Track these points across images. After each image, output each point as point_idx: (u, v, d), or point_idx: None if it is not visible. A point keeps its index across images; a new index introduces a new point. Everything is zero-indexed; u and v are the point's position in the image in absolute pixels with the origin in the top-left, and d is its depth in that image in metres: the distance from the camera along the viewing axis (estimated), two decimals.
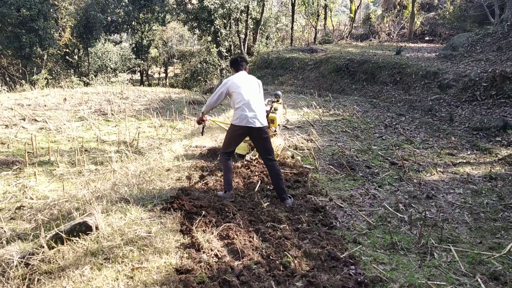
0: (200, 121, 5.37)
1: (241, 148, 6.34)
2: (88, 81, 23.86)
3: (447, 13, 21.23)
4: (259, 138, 4.85)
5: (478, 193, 5.48)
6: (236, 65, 5.13)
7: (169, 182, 5.30)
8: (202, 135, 6.13)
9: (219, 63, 26.04)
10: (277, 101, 6.72)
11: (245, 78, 4.99)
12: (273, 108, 6.52)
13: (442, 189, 5.62)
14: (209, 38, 27.22)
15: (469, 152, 7.36)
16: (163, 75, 34.37)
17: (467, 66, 11.87)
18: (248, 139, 5.67)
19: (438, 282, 3.34)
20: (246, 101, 4.76)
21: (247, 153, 6.45)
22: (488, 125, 8.73)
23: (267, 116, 5.96)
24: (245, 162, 6.22)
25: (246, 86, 4.87)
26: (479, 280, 3.36)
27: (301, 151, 6.99)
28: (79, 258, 3.37)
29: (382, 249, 3.94)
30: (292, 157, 6.58)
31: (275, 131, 6.58)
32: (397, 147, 7.50)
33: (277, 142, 6.53)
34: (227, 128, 5.42)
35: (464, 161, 6.87)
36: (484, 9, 18.24)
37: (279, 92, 6.89)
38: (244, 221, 4.28)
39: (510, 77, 9.83)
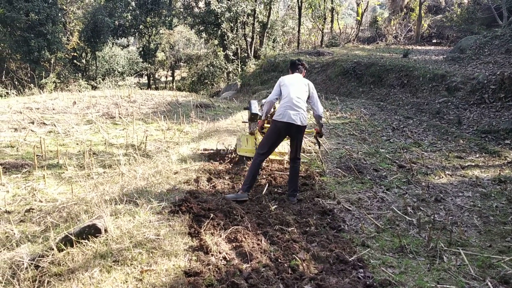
0: (261, 129, 5.55)
1: (250, 151, 6.26)
2: (96, 84, 24.02)
3: (455, 15, 21.15)
4: (297, 136, 5.08)
5: (487, 196, 5.44)
6: (293, 67, 5.40)
7: (177, 185, 5.31)
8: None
9: (226, 67, 26.14)
10: None
11: (296, 79, 5.19)
12: None
13: (450, 192, 5.58)
14: (216, 42, 27.36)
15: (477, 155, 7.31)
16: (170, 78, 34.54)
17: (475, 69, 11.81)
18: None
19: (447, 286, 3.31)
20: (291, 98, 4.95)
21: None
22: (496, 128, 8.67)
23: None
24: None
25: (295, 85, 5.08)
26: (489, 284, 3.33)
27: (308, 154, 6.99)
28: (88, 261, 3.39)
29: (391, 252, 3.92)
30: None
31: None
32: (405, 150, 7.47)
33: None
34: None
35: (473, 164, 6.83)
36: (492, 12, 18.14)
37: None
38: (252, 224, 4.28)
39: None
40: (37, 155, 6.62)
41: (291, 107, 4.91)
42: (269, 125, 5.32)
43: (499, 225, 4.61)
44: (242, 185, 5.03)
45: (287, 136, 5.21)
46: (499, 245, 4.11)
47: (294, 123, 4.89)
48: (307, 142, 7.54)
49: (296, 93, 5.00)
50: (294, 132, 5.01)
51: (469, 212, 4.94)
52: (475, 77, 10.93)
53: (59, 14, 21.86)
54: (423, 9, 22.24)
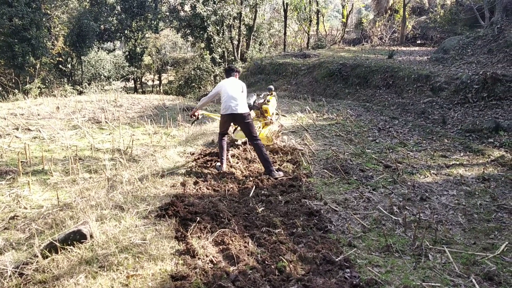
0: (193, 115, 6.65)
1: (241, 136, 7.10)
2: (81, 89, 23.76)
3: (438, 16, 21.43)
4: (242, 122, 6.16)
5: (472, 194, 5.51)
6: (228, 72, 6.61)
7: (163, 189, 5.29)
8: (191, 125, 6.89)
9: (213, 70, 26.08)
10: (271, 94, 7.98)
11: (232, 81, 6.34)
12: (266, 100, 7.81)
13: (435, 191, 5.64)
14: (203, 45, 27.28)
15: (462, 154, 7.41)
16: (157, 82, 34.34)
17: (459, 69, 11.97)
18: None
19: (433, 284, 3.35)
20: (230, 95, 6.09)
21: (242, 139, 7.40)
22: (480, 127, 8.80)
23: (261, 107, 7.65)
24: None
25: (231, 86, 6.23)
26: (473, 280, 3.38)
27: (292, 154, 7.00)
28: (73, 267, 3.36)
29: (377, 251, 3.96)
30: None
31: (271, 119, 7.73)
32: (391, 150, 7.53)
33: (273, 128, 7.54)
34: (217, 118, 7.29)
35: (457, 162, 6.91)
36: (474, 12, 18.42)
37: (272, 86, 8.19)
38: (239, 226, 4.28)
39: (501, 79, 9.93)
40: (21, 162, 6.54)
41: (231, 100, 6.04)
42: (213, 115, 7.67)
43: (483, 222, 4.67)
44: (219, 160, 6.22)
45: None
46: (483, 242, 4.17)
47: (236, 112, 6.01)
48: (294, 144, 7.56)
49: (233, 91, 6.13)
50: (238, 119, 6.13)
51: (454, 211, 5.00)
52: (458, 77, 11.08)
53: (44, 19, 21.58)
54: (407, 11, 22.49)
